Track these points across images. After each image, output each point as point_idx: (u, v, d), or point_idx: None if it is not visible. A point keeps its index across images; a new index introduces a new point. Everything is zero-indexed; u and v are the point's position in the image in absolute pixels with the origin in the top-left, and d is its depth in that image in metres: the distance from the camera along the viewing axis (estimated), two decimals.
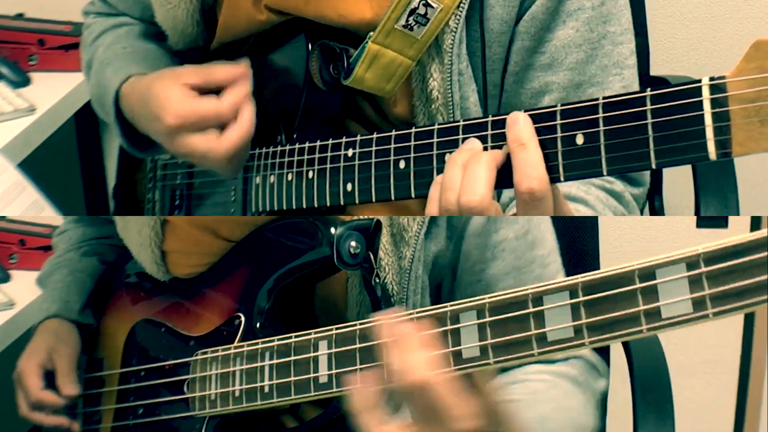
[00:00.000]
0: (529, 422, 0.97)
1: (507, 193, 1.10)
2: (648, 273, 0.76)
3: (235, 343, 1.07)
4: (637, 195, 1.13)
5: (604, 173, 0.85)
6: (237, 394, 1.04)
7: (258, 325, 1.08)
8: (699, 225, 1.89)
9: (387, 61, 1.07)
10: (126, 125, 1.19)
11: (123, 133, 1.20)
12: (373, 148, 1.00)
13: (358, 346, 0.92)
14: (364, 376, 0.87)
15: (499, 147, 0.90)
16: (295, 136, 1.12)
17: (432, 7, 1.05)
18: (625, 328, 0.76)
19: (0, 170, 1.36)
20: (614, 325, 0.77)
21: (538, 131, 0.88)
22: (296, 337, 0.98)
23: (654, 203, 1.61)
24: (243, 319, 1.09)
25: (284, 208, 1.10)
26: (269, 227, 1.10)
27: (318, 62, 1.11)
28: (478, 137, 0.92)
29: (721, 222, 1.79)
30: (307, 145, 1.08)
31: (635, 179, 1.13)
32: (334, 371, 0.94)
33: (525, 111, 0.89)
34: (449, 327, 0.86)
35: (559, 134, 0.87)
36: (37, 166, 1.57)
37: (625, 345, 1.31)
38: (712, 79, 0.79)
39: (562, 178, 0.87)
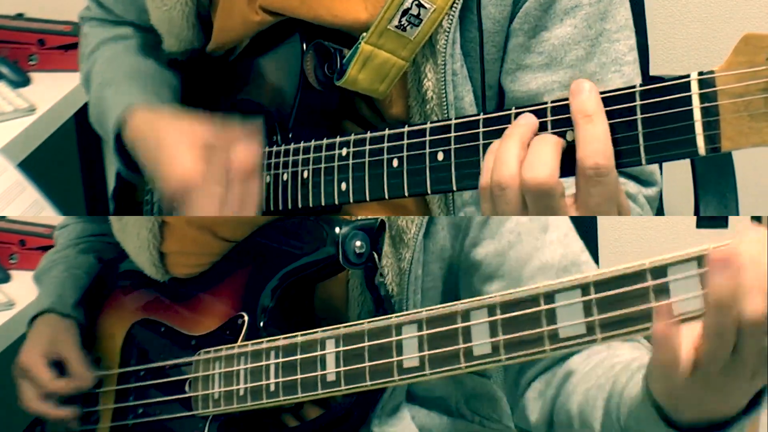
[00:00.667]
0: None
1: None
2: (660, 270, 0.76)
3: (239, 342, 1.07)
4: (651, 196, 1.12)
5: None
6: (242, 393, 1.04)
7: (262, 324, 1.08)
8: (699, 225, 1.88)
9: (380, 62, 1.07)
10: (123, 150, 1.17)
11: (121, 158, 1.18)
12: (367, 147, 1.00)
13: (366, 344, 0.93)
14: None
15: (561, 134, 0.86)
16: (290, 135, 1.12)
17: (425, 7, 1.05)
18: (637, 324, 0.76)
19: (0, 170, 1.37)
20: (627, 321, 0.77)
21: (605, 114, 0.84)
22: (302, 335, 0.99)
23: None
24: (246, 318, 1.09)
25: (280, 207, 1.10)
26: (271, 227, 1.10)
27: (313, 62, 1.11)
28: (470, 135, 0.92)
29: (721, 222, 1.79)
30: (301, 144, 1.08)
31: (647, 180, 1.12)
32: (342, 369, 0.94)
33: (516, 108, 0.89)
34: (460, 325, 0.86)
35: (549, 131, 0.87)
36: (37, 166, 1.57)
37: None
38: (701, 73, 0.79)
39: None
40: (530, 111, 0.88)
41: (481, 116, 0.91)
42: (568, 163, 0.84)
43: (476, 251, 1.07)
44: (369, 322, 0.93)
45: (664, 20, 1.91)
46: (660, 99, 0.81)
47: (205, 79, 1.26)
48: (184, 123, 1.10)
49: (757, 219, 1.92)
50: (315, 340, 0.97)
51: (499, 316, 0.83)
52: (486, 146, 0.89)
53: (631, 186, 1.10)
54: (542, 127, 0.87)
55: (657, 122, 0.81)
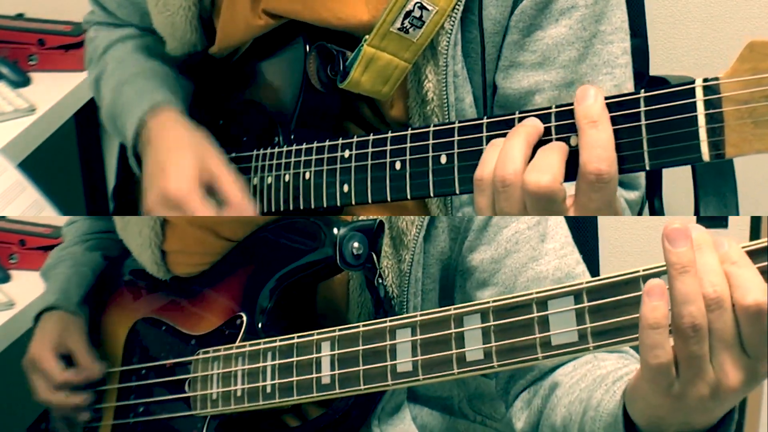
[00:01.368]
0: None
1: None
2: (654, 278, 0.75)
3: (237, 343, 1.07)
4: (633, 200, 1.13)
5: None
6: (239, 393, 1.04)
7: (260, 325, 1.08)
8: None
9: (383, 64, 1.07)
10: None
11: (135, 155, 1.19)
12: (370, 150, 1.00)
13: (361, 348, 0.93)
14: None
15: (565, 140, 0.87)
16: (292, 137, 1.12)
17: (427, 9, 1.05)
18: (630, 333, 0.77)
19: (0, 170, 1.37)
20: (620, 330, 0.77)
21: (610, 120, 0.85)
22: (299, 337, 0.99)
23: (654, 203, 1.61)
24: (245, 318, 1.09)
25: (281, 209, 1.10)
26: (271, 227, 1.10)
27: (315, 64, 1.11)
28: (474, 139, 0.92)
29: (721, 222, 1.79)
30: (304, 146, 1.08)
31: (630, 183, 1.13)
32: (336, 372, 0.94)
33: (519, 112, 0.89)
34: (453, 330, 0.86)
35: (553, 136, 0.87)
36: (37, 166, 1.57)
37: None
38: (705, 80, 0.79)
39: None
40: (535, 115, 0.88)
41: (485, 120, 0.91)
42: (571, 168, 0.84)
43: (472, 256, 1.07)
44: (364, 324, 0.93)
45: (664, 20, 1.91)
46: (664, 105, 0.81)
47: (208, 81, 1.26)
48: (201, 149, 1.11)
49: (756, 219, 1.92)
50: (311, 342, 0.97)
51: (492, 323, 0.83)
52: (558, 140, 0.87)
53: None
54: (547, 132, 0.87)
55: (661, 128, 0.81)
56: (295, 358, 0.98)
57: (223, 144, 1.21)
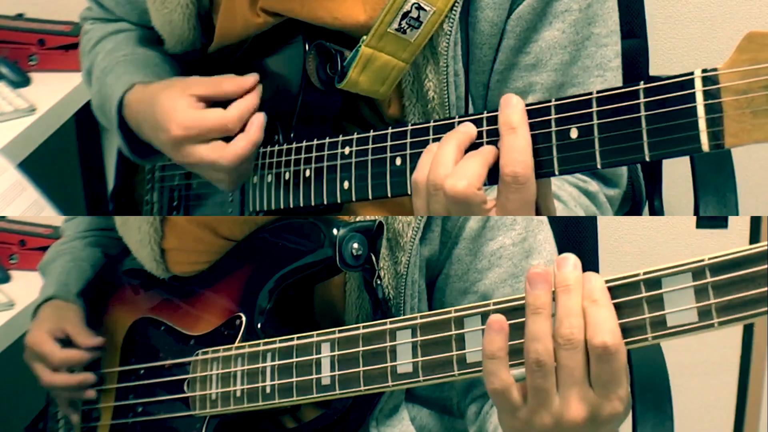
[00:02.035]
0: None
1: None
2: (654, 282, 0.76)
3: (236, 344, 1.07)
4: (612, 196, 1.14)
5: (599, 166, 0.85)
6: (238, 394, 1.04)
7: (259, 325, 1.08)
8: (698, 225, 1.89)
9: (380, 65, 1.07)
10: (128, 133, 1.19)
11: (125, 140, 1.20)
12: (370, 146, 1.00)
13: (361, 349, 0.93)
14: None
15: (494, 143, 0.90)
16: (292, 135, 1.12)
17: (425, 10, 1.05)
18: (631, 335, 0.77)
19: (0, 170, 1.37)
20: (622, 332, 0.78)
21: (533, 126, 0.88)
22: (298, 338, 0.98)
23: (654, 203, 1.61)
24: (244, 319, 1.09)
25: (282, 207, 1.10)
26: (271, 227, 1.10)
27: (315, 62, 1.11)
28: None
29: (720, 222, 1.79)
30: (304, 143, 1.08)
31: (611, 180, 1.14)
32: (336, 373, 0.94)
33: (458, 117, 0.91)
34: (453, 332, 0.86)
35: (553, 128, 0.87)
36: (37, 166, 1.57)
37: None
38: (704, 71, 0.79)
39: (556, 172, 0.87)
40: (470, 120, 0.91)
41: (485, 114, 0.91)
42: (496, 171, 0.89)
43: (458, 264, 1.08)
44: (364, 326, 0.93)
45: (664, 20, 1.91)
46: (664, 96, 0.81)
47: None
48: (176, 81, 1.14)
49: (756, 219, 1.92)
50: (311, 343, 0.97)
51: (482, 326, 0.84)
52: (489, 143, 0.91)
53: (593, 185, 1.12)
54: (479, 136, 0.91)
55: (661, 119, 0.81)
56: (294, 359, 0.98)
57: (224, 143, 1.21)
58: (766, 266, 0.71)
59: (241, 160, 1.07)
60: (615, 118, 0.83)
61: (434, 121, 0.95)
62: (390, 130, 0.99)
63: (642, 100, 0.82)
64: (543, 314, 0.79)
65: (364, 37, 1.07)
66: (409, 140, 0.97)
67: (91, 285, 1.30)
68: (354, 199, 1.02)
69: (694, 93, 0.79)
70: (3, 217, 1.94)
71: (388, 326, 0.91)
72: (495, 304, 0.83)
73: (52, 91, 1.86)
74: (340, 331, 0.95)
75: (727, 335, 2.01)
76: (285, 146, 1.10)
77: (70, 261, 1.32)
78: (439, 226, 1.07)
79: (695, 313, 0.75)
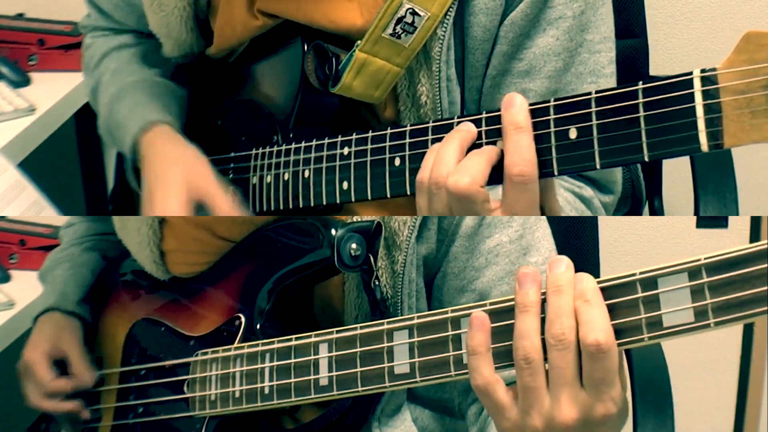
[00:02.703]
0: None
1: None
2: (650, 282, 0.76)
3: (236, 344, 1.07)
4: (607, 203, 1.14)
5: (598, 167, 0.85)
6: (237, 395, 1.04)
7: (258, 326, 1.08)
8: (699, 225, 1.89)
9: (375, 69, 1.07)
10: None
11: (134, 173, 1.20)
12: (369, 147, 1.00)
13: (358, 349, 0.93)
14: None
15: (493, 143, 0.90)
16: (291, 136, 1.12)
17: (419, 15, 1.05)
18: (627, 336, 0.77)
19: (0, 170, 1.37)
20: (615, 333, 0.77)
21: (532, 126, 0.88)
22: (296, 339, 0.99)
23: (654, 203, 1.61)
24: (243, 319, 1.09)
25: (281, 207, 1.10)
26: (270, 228, 1.10)
27: (313, 63, 1.11)
28: None
29: (720, 222, 1.79)
30: (303, 144, 1.08)
31: (606, 186, 1.14)
32: (334, 374, 0.94)
33: (457, 118, 0.91)
34: (450, 333, 0.86)
35: (552, 129, 0.87)
36: (37, 166, 1.57)
37: None
38: (703, 71, 0.79)
39: (555, 173, 0.87)
40: (470, 120, 0.91)
41: (484, 114, 0.91)
42: (499, 171, 0.89)
43: (455, 262, 1.08)
44: (362, 326, 0.93)
45: (664, 20, 1.91)
46: (662, 96, 0.81)
47: (205, 82, 1.26)
48: (189, 166, 1.13)
49: (756, 219, 1.92)
50: (309, 344, 0.97)
51: (490, 325, 0.84)
52: (488, 143, 0.91)
53: (588, 190, 1.13)
54: (479, 136, 0.92)
55: (659, 119, 0.81)
56: (292, 360, 0.98)
57: (222, 144, 1.21)
58: (762, 266, 0.71)
59: None
60: (614, 118, 0.84)
61: (433, 122, 0.95)
62: (389, 131, 0.99)
63: (641, 100, 0.82)
64: (531, 312, 0.79)
65: (359, 41, 1.07)
66: (408, 141, 0.97)
67: (92, 290, 1.30)
68: (353, 199, 1.02)
69: (693, 93, 0.79)
70: (3, 217, 1.94)
71: (385, 327, 0.91)
72: (491, 304, 0.83)
73: (52, 91, 1.86)
74: (337, 332, 0.95)
75: (727, 335, 2.01)
76: (284, 147, 1.11)
77: (68, 269, 1.31)
78: (436, 224, 1.07)
79: (692, 313, 0.74)
